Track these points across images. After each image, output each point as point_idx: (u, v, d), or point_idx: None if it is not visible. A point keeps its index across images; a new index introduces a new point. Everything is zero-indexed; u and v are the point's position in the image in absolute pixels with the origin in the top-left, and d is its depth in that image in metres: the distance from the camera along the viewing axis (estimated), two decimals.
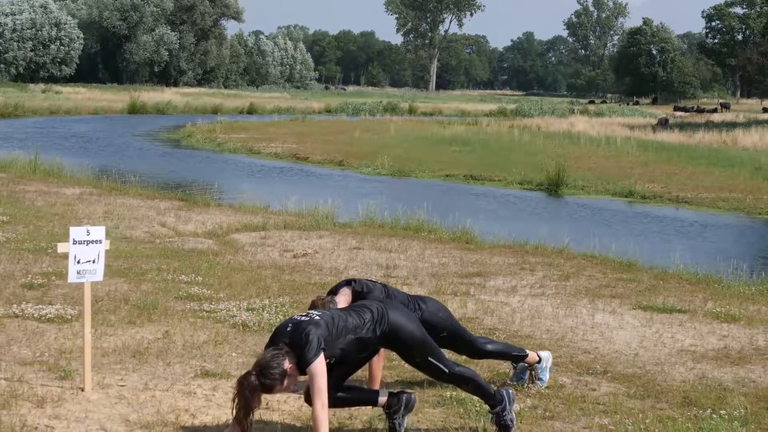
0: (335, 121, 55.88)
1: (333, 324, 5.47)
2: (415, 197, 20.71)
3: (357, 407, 6.05)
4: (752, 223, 20.00)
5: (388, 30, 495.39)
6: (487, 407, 6.02)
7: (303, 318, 5.47)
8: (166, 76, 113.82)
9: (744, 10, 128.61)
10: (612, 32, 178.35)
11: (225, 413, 6.07)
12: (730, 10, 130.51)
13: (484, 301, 9.75)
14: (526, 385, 6.95)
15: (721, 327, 9.04)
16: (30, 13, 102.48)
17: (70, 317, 8.31)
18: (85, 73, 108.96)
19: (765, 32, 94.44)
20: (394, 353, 6.06)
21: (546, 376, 7.00)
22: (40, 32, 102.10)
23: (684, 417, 6.35)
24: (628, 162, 30.73)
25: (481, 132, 44.04)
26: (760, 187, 24.74)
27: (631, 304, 9.88)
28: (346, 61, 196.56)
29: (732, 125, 52.27)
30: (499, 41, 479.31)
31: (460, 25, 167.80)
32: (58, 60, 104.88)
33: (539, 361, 6.96)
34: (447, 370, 5.83)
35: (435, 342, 6.42)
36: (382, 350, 6.20)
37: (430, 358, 5.78)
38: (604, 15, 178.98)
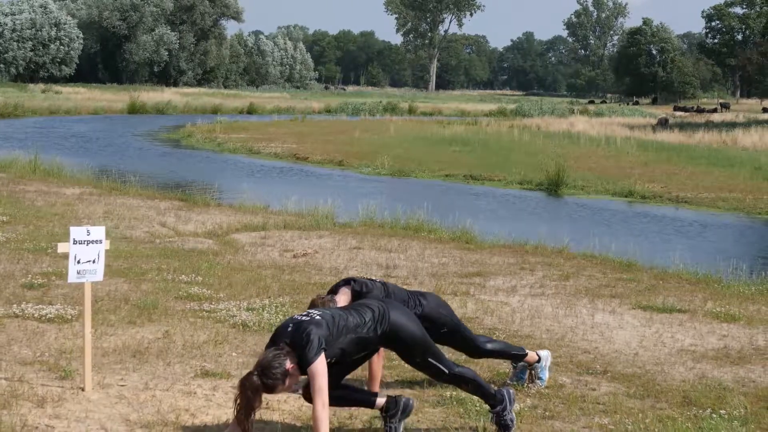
0: (335, 121, 55.88)
1: (334, 324, 5.47)
2: (415, 197, 20.72)
3: (357, 407, 6.05)
4: (752, 223, 20.01)
5: (387, 30, 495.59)
6: (487, 407, 6.02)
7: (304, 318, 5.47)
8: (165, 76, 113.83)
9: (744, 10, 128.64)
10: (612, 32, 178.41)
11: (225, 413, 6.07)
12: (729, 10, 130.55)
13: (484, 301, 9.76)
14: (525, 384, 6.95)
15: (721, 327, 9.04)
16: (30, 13, 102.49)
17: (70, 317, 8.32)
18: (85, 73, 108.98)
19: (765, 32, 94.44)
20: (394, 353, 6.06)
21: (545, 375, 7.01)
22: (39, 32, 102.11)
23: (684, 417, 6.35)
24: (627, 162, 30.73)
25: (480, 132, 44.05)
26: (759, 187, 24.75)
27: (631, 303, 9.89)
28: (345, 61, 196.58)
29: (732, 125, 52.29)
30: (499, 41, 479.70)
31: (460, 25, 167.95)
32: (58, 60, 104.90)
33: (539, 361, 6.97)
34: (447, 371, 5.83)
35: (435, 338, 6.44)
36: (382, 350, 6.20)
37: (429, 359, 5.78)
38: (603, 15, 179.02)
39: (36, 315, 8.32)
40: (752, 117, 65.86)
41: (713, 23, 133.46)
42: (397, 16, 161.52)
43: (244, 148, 35.37)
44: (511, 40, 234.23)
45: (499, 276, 11.24)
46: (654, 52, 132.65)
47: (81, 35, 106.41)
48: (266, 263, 11.54)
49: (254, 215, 15.84)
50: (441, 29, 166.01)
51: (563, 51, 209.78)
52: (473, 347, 6.72)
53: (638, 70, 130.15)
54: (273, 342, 5.43)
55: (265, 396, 5.40)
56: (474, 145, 36.05)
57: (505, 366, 7.27)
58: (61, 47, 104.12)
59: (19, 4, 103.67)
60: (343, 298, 6.28)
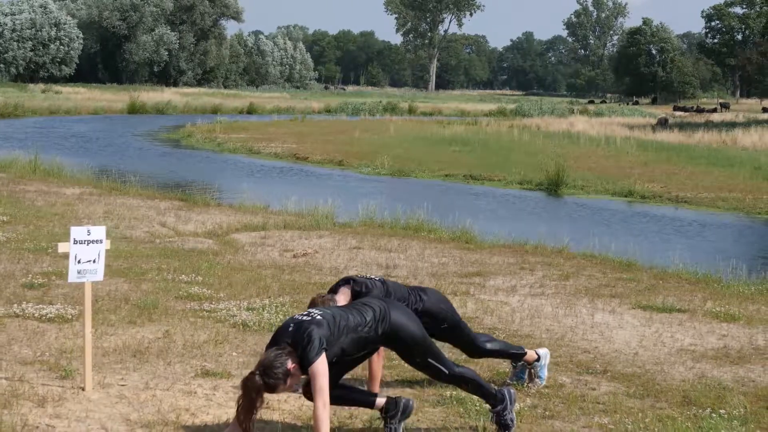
0: (335, 121, 55.89)
1: (335, 323, 5.48)
2: (414, 197, 20.72)
3: (357, 407, 6.06)
4: (752, 223, 20.02)
5: (387, 30, 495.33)
6: (487, 406, 6.03)
7: (305, 318, 5.48)
8: (165, 76, 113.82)
9: (743, 10, 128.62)
10: (611, 32, 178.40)
11: (225, 412, 6.08)
12: (729, 10, 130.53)
13: (484, 301, 9.77)
14: (525, 384, 6.96)
15: (721, 326, 9.05)
16: (30, 13, 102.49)
17: (70, 317, 8.33)
18: (85, 73, 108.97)
19: (764, 32, 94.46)
20: (394, 353, 6.07)
21: (545, 374, 7.02)
22: (39, 32, 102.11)
23: (683, 416, 6.36)
24: (627, 162, 30.74)
25: (480, 132, 44.05)
26: (759, 186, 24.76)
27: (631, 303, 9.89)
28: (345, 61, 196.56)
29: (731, 125, 52.30)
30: (499, 41, 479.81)
31: (460, 25, 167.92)
32: (58, 60, 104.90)
33: (538, 359, 6.98)
34: (447, 371, 5.83)
35: (436, 334, 6.45)
36: (382, 349, 6.21)
37: (429, 359, 5.78)
38: (603, 15, 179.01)
39: (36, 315, 8.33)
40: (752, 117, 65.86)
41: (713, 23, 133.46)
42: (396, 16, 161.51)
43: (244, 148, 35.37)
44: (511, 40, 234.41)
45: (499, 276, 11.24)
46: (654, 52, 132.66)
47: (81, 35, 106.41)
48: (266, 263, 11.55)
49: (254, 215, 15.85)
50: (441, 29, 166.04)
51: (563, 51, 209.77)
52: (473, 346, 6.73)
53: (638, 70, 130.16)
54: (274, 342, 5.43)
55: (266, 395, 5.41)
56: (474, 145, 36.06)
57: (504, 365, 7.28)
58: (61, 47, 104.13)
59: (19, 4, 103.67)
60: (342, 297, 6.29)
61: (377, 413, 5.95)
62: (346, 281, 6.47)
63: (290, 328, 5.42)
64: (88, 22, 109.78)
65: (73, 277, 6.38)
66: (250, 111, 68.78)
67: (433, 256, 12.45)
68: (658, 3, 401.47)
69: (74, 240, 6.33)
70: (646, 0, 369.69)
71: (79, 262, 6.35)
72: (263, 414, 6.01)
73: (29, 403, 6.11)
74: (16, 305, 8.61)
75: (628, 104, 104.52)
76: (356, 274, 6.69)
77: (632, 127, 49.12)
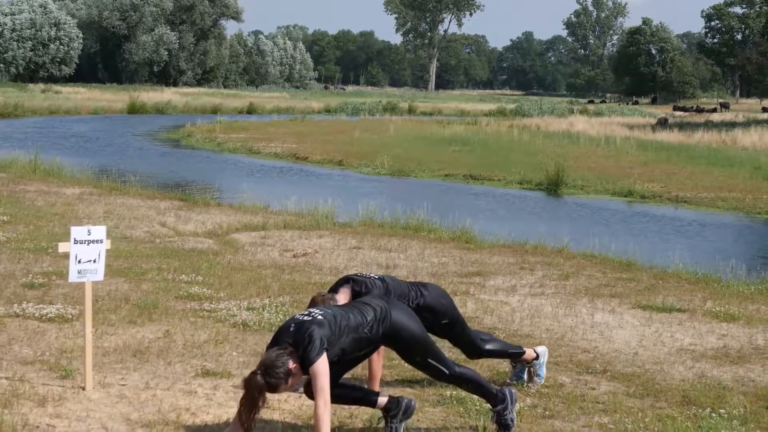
0: (335, 121, 55.89)
1: (336, 323, 5.48)
2: (414, 197, 20.73)
3: (357, 406, 6.06)
4: (751, 223, 20.03)
5: (387, 30, 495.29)
6: (488, 406, 6.03)
7: (306, 318, 5.48)
8: (165, 76, 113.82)
9: (743, 10, 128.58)
10: (611, 32, 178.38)
11: (226, 412, 6.09)
12: (729, 9, 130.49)
13: (484, 301, 9.77)
14: (525, 384, 6.97)
15: (721, 326, 9.06)
16: (29, 13, 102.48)
17: (70, 317, 8.33)
18: (85, 73, 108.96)
19: (764, 32, 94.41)
20: (394, 352, 6.08)
21: (544, 372, 7.03)
22: (39, 32, 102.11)
23: (683, 416, 6.37)
24: (627, 162, 30.75)
25: (480, 132, 44.06)
26: (759, 186, 24.76)
27: (631, 303, 9.90)
28: (345, 60, 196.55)
29: (731, 125, 52.30)
30: (499, 41, 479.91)
31: (460, 25, 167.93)
32: (58, 60, 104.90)
33: (537, 358, 6.99)
34: (447, 371, 5.84)
35: (436, 330, 6.46)
36: (382, 348, 6.21)
37: (430, 359, 5.79)
38: (603, 15, 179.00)
39: (37, 314, 8.34)
40: (752, 117, 65.86)
41: (713, 23, 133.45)
42: (396, 15, 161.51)
43: (244, 148, 35.38)
44: (511, 40, 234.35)
45: (499, 275, 11.25)
46: (653, 51, 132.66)
47: (81, 35, 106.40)
48: (266, 263, 11.56)
49: (254, 215, 15.86)
50: (440, 29, 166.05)
51: (563, 51, 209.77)
52: (472, 347, 6.72)
53: (638, 70, 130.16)
54: (275, 342, 5.44)
55: (267, 395, 5.41)
56: (474, 144, 36.07)
57: (504, 365, 7.29)
58: (61, 47, 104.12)
59: (19, 4, 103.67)
60: (343, 297, 6.30)
61: (377, 412, 5.96)
62: (345, 280, 6.47)
63: (291, 328, 5.43)
64: (88, 22, 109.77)
65: (73, 277, 6.38)
66: (250, 111, 68.78)
67: (433, 256, 12.45)
68: (658, 3, 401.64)
69: (75, 240, 6.33)
70: (646, 0, 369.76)
71: (79, 261, 6.35)
72: (263, 413, 6.01)
73: (30, 403, 6.12)
74: (16, 305, 8.62)
75: (627, 104, 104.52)
76: (356, 273, 6.68)
77: (632, 127, 49.13)
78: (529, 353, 6.97)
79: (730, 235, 18.54)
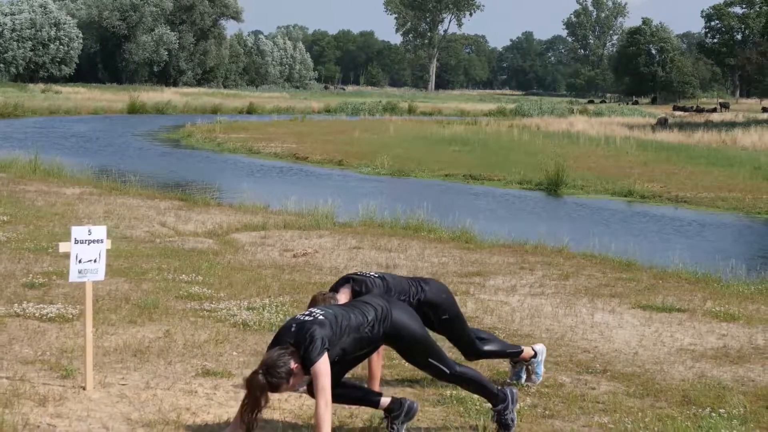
0: (334, 121, 55.89)
1: (337, 323, 5.49)
2: (414, 197, 20.73)
3: (358, 406, 6.07)
4: (751, 223, 20.04)
5: (387, 30, 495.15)
6: (488, 405, 6.04)
7: (307, 318, 5.49)
8: (165, 76, 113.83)
9: (743, 10, 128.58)
10: (611, 32, 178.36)
11: (226, 412, 6.10)
12: (729, 9, 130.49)
13: (484, 300, 9.78)
14: (524, 383, 6.98)
15: (720, 326, 9.07)
16: (29, 13, 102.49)
17: (71, 316, 8.34)
18: (85, 73, 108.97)
19: (764, 32, 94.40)
20: (394, 352, 6.08)
21: (542, 370, 7.05)
22: (39, 32, 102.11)
23: (683, 416, 6.37)
24: (627, 162, 30.75)
25: (480, 132, 44.07)
26: (759, 186, 24.77)
27: (631, 303, 9.91)
28: (345, 60, 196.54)
29: (731, 125, 52.30)
30: (499, 41, 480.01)
31: (460, 25, 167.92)
32: (58, 60, 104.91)
33: (535, 356, 7.00)
34: (448, 370, 5.84)
35: (436, 326, 6.47)
36: (381, 348, 6.22)
37: (430, 359, 5.79)
38: (603, 15, 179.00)
39: (37, 314, 8.34)
40: (752, 117, 65.86)
41: (713, 23, 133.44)
42: (396, 15, 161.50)
43: (244, 148, 35.39)
44: (511, 40, 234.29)
45: (499, 275, 11.26)
46: (653, 51, 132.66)
47: (81, 35, 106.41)
48: (266, 263, 11.56)
49: (254, 215, 15.86)
50: (440, 29, 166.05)
51: (563, 51, 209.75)
52: (471, 347, 6.71)
53: (638, 70, 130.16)
54: (276, 342, 5.45)
55: (270, 394, 5.42)
56: (473, 144, 36.07)
57: (504, 365, 7.29)
58: (61, 47, 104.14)
59: (19, 4, 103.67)
60: (344, 296, 6.30)
61: (378, 412, 5.96)
62: (346, 280, 6.48)
63: (293, 329, 5.43)
64: (88, 22, 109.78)
65: (74, 277, 6.39)
66: (250, 111, 68.77)
67: (433, 256, 12.46)
68: (658, 3, 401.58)
69: (75, 240, 6.34)
70: (645, 0, 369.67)
71: (80, 261, 6.36)
72: (264, 413, 6.01)
73: (30, 403, 6.12)
74: (16, 305, 8.63)
75: (627, 104, 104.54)
76: (356, 272, 6.69)
77: (632, 127, 49.14)
78: (527, 352, 6.98)
79: (730, 235, 18.55)
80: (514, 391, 6.00)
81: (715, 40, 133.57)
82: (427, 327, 6.14)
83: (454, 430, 5.98)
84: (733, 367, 7.69)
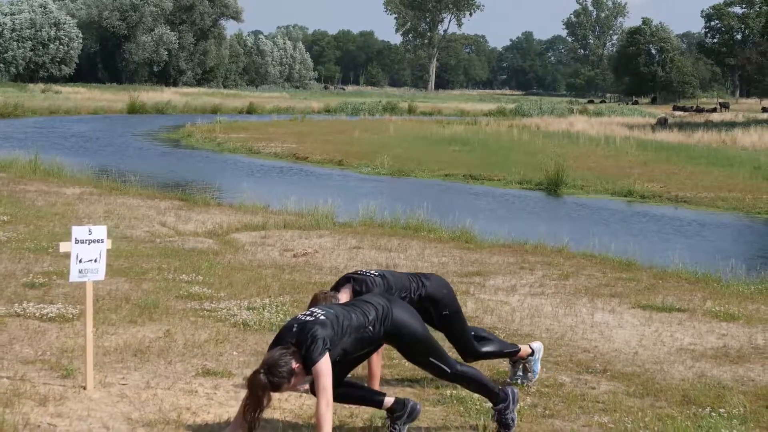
0: (334, 121, 55.90)
1: (338, 323, 5.49)
2: (414, 197, 20.73)
3: (358, 405, 6.07)
4: (751, 223, 20.04)
5: (387, 30, 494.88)
6: (488, 405, 6.04)
7: (308, 318, 5.49)
8: (165, 76, 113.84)
9: (743, 10, 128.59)
10: (611, 32, 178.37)
11: (227, 411, 6.10)
12: (729, 9, 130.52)
13: (484, 300, 9.79)
14: (520, 380, 6.98)
15: (720, 326, 9.07)
16: (29, 13, 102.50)
17: (71, 316, 8.34)
18: (85, 73, 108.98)
19: (764, 32, 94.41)
20: (394, 352, 6.09)
21: (538, 367, 7.06)
22: (39, 32, 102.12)
23: (683, 415, 6.38)
24: (627, 161, 30.76)
25: (480, 132, 44.07)
26: (759, 186, 24.78)
27: (631, 303, 9.91)
28: (345, 60, 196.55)
29: (731, 125, 52.31)
30: (498, 41, 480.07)
31: (459, 25, 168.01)
32: (58, 60, 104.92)
33: (532, 353, 7.01)
34: (449, 370, 5.84)
35: (436, 323, 6.47)
36: (381, 347, 6.22)
37: (431, 358, 5.79)
38: (603, 15, 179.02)
39: (37, 314, 8.35)
40: (751, 117, 65.86)
41: (712, 23, 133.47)
42: (396, 15, 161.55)
43: (244, 148, 35.39)
44: (511, 40, 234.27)
45: (499, 275, 11.26)
46: (653, 51, 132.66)
47: (80, 35, 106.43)
48: (266, 263, 11.57)
49: (254, 215, 15.87)
50: (440, 29, 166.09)
51: (562, 51, 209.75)
52: (469, 348, 6.70)
53: (637, 70, 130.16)
54: (277, 342, 5.45)
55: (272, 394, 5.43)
56: (473, 144, 36.08)
57: (504, 365, 7.30)
58: (61, 47, 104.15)
59: (19, 4, 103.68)
60: (344, 296, 6.31)
61: (378, 412, 5.96)
62: (346, 279, 6.49)
63: (294, 329, 5.44)
64: (88, 21, 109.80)
65: (74, 277, 6.40)
66: (250, 111, 68.77)
67: (433, 256, 12.47)
68: (658, 3, 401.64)
69: (76, 239, 6.34)
70: (645, 0, 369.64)
71: (80, 261, 6.36)
72: (264, 413, 6.02)
73: (31, 402, 6.13)
74: (17, 305, 8.63)
75: (627, 104, 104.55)
76: (356, 270, 6.69)
77: (632, 127, 49.15)
78: (525, 350, 6.99)
79: (730, 235, 18.55)
80: (515, 390, 6.00)
81: (715, 40, 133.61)
82: (427, 323, 6.15)
83: (455, 430, 5.99)
84: (733, 367, 7.69)
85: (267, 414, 6.03)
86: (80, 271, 6.38)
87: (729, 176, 26.97)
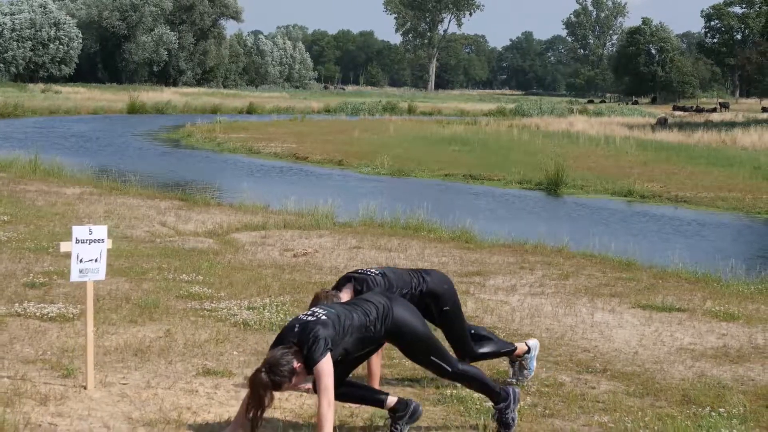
0: (334, 121, 55.90)
1: (339, 323, 5.50)
2: (414, 197, 20.74)
3: (359, 405, 6.08)
4: (751, 223, 20.05)
5: (387, 30, 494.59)
6: (489, 404, 6.04)
7: (310, 318, 5.50)
8: (165, 76, 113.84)
9: (743, 10, 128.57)
10: (611, 32, 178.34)
11: (227, 411, 6.11)
12: (729, 9, 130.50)
13: (484, 300, 9.79)
14: (520, 380, 6.99)
15: (720, 326, 9.08)
16: (29, 13, 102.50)
17: (72, 316, 8.35)
18: (85, 73, 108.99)
19: (764, 32, 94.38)
20: (394, 351, 6.09)
21: (534, 365, 7.07)
22: (39, 32, 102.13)
23: (683, 415, 6.38)
24: (627, 161, 30.77)
25: (480, 131, 44.07)
26: (759, 186, 24.78)
27: (631, 302, 9.92)
28: (345, 60, 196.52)
29: (731, 125, 52.31)
30: (498, 41, 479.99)
31: (459, 25, 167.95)
32: (58, 60, 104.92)
33: (528, 351, 7.03)
34: (450, 368, 5.84)
35: (437, 319, 6.47)
36: (381, 347, 6.22)
37: (432, 357, 5.80)
38: (603, 14, 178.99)
39: (38, 314, 8.35)
40: (751, 116, 65.85)
41: (712, 23, 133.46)
42: (396, 15, 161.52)
43: (244, 148, 35.39)
44: (510, 40, 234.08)
45: (499, 275, 11.27)
46: (653, 51, 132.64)
47: (80, 35, 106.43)
48: (266, 262, 11.57)
49: (254, 215, 15.87)
50: (440, 29, 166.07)
51: (562, 50, 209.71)
52: (466, 349, 6.70)
53: (637, 70, 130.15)
54: (279, 342, 5.46)
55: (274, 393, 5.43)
56: (473, 144, 36.08)
57: (505, 364, 7.30)
58: (61, 47, 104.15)
59: (19, 4, 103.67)
60: (345, 295, 6.32)
61: (379, 412, 5.97)
62: (347, 279, 6.49)
63: (296, 328, 5.44)
64: (88, 21, 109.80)
65: (75, 277, 6.40)
66: (250, 111, 68.76)
67: (433, 256, 12.47)
68: (658, 3, 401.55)
69: (76, 239, 6.35)
70: (645, 0, 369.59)
71: (80, 261, 6.37)
72: (264, 412, 6.03)
73: (31, 402, 6.14)
74: (17, 304, 8.64)
75: (627, 104, 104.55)
76: (357, 269, 6.70)
77: (632, 127, 49.15)
78: (521, 347, 7.01)
79: (730, 235, 18.56)
80: (516, 390, 6.00)
81: (715, 40, 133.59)
82: (428, 320, 6.16)
83: (455, 430, 5.99)
84: (732, 367, 7.70)
85: (268, 413, 6.04)
86: (81, 271, 6.38)
87: (729, 176, 26.98)
